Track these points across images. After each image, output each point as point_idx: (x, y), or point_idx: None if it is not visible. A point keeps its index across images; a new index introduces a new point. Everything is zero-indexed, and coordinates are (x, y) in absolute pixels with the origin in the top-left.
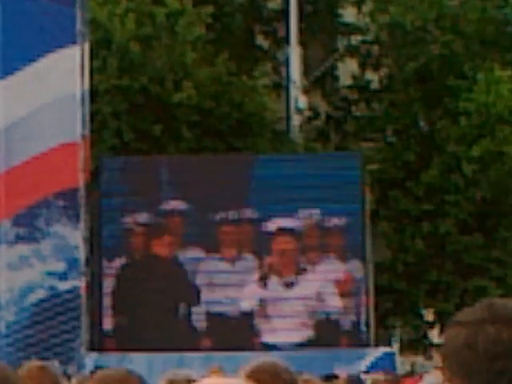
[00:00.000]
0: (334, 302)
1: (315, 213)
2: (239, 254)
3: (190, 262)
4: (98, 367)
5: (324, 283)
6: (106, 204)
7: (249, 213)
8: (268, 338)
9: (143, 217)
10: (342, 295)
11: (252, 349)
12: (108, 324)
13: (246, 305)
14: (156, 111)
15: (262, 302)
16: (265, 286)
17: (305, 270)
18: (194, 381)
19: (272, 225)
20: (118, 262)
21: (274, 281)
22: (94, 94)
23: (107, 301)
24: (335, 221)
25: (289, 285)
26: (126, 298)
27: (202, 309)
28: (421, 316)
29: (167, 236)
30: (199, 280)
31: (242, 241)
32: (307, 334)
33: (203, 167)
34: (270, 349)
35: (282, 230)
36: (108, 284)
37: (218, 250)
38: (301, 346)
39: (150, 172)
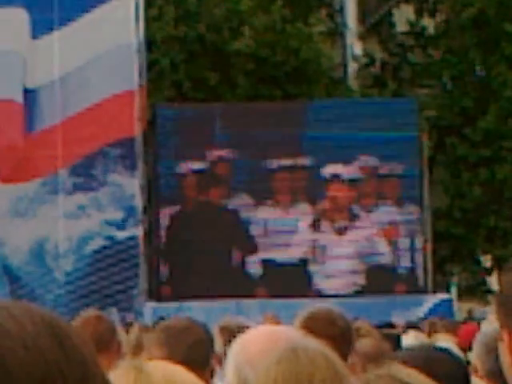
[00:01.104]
0: (385, 248)
1: (372, 160)
2: (293, 201)
3: (244, 210)
4: (157, 316)
5: (378, 230)
6: (162, 153)
7: (304, 160)
8: (323, 285)
9: (197, 165)
10: (397, 242)
11: (306, 295)
12: (164, 272)
13: (299, 251)
14: (212, 60)
15: (315, 248)
16: (317, 231)
17: (358, 216)
18: (246, 327)
19: (326, 171)
20: (173, 209)
21: (326, 226)
22: (150, 43)
23: (163, 249)
24: (392, 167)
25: (342, 231)
26: (181, 246)
27: (257, 256)
28: (479, 262)
29: (221, 184)
30: (253, 227)
31: (297, 188)
32: (361, 280)
33: (257, 115)
34: (325, 295)
35: (336, 177)
36: (164, 233)
37: (273, 198)
38: (356, 292)
39: (205, 120)
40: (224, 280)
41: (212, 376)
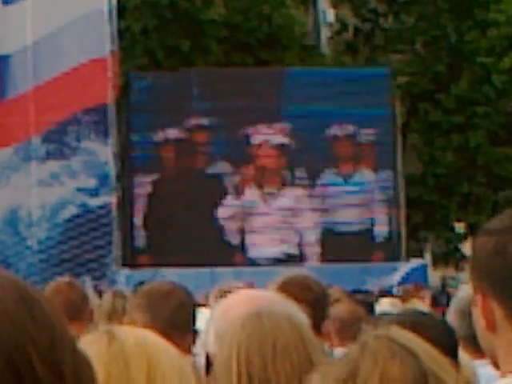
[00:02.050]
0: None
1: (346, 127)
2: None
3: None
4: (139, 283)
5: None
6: (135, 120)
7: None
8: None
9: (173, 133)
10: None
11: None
12: (140, 240)
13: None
14: (184, 27)
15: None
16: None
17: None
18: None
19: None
20: (150, 178)
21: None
22: (122, 10)
23: (139, 217)
24: (366, 133)
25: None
26: (159, 214)
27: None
28: (452, 229)
29: (197, 151)
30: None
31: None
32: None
33: (232, 80)
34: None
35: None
36: (140, 200)
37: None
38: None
39: (179, 87)
40: (202, 247)
41: (195, 339)
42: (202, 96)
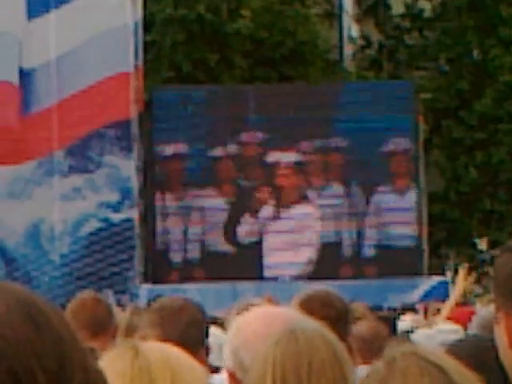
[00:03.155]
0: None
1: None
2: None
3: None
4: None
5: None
6: (158, 135)
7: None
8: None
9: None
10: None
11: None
12: (163, 255)
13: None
14: (211, 41)
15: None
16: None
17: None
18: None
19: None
20: (171, 194)
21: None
22: (149, 24)
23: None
24: (390, 148)
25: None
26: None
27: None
28: (474, 245)
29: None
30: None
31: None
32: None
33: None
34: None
35: None
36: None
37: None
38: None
39: (203, 102)
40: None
41: (207, 355)
42: (255, 111)
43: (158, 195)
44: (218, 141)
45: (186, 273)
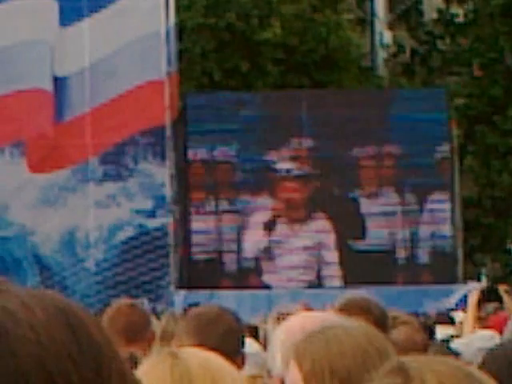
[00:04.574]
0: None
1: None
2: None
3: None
4: (189, 305)
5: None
6: (192, 141)
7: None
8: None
9: (229, 154)
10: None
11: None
12: (197, 262)
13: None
14: (241, 48)
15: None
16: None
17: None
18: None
19: None
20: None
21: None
22: (180, 32)
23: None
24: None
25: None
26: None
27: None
28: (509, 252)
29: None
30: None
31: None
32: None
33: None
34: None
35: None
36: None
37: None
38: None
39: (236, 108)
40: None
41: (243, 363)
42: (307, 118)
43: (193, 201)
44: (269, 145)
45: (219, 280)
